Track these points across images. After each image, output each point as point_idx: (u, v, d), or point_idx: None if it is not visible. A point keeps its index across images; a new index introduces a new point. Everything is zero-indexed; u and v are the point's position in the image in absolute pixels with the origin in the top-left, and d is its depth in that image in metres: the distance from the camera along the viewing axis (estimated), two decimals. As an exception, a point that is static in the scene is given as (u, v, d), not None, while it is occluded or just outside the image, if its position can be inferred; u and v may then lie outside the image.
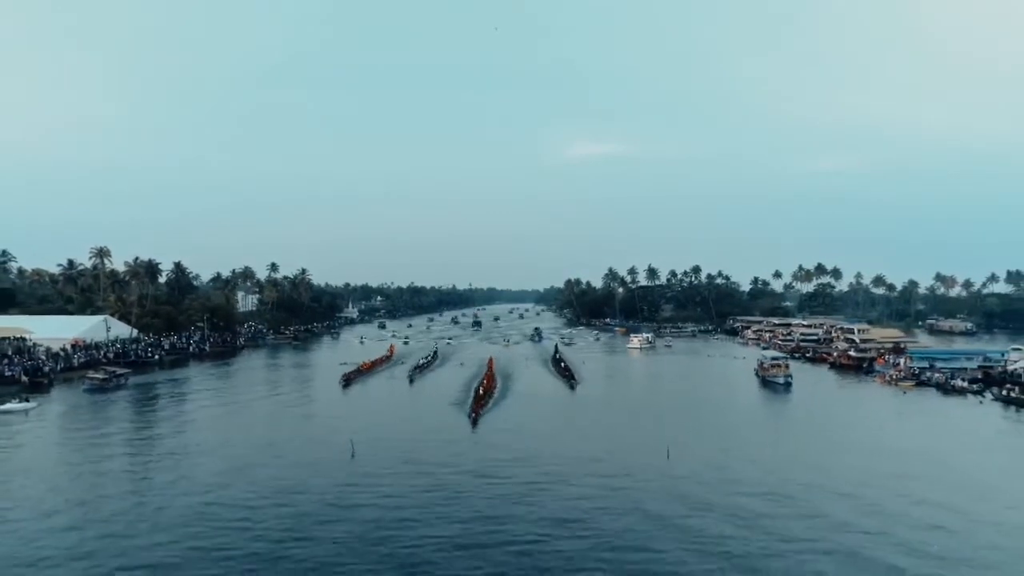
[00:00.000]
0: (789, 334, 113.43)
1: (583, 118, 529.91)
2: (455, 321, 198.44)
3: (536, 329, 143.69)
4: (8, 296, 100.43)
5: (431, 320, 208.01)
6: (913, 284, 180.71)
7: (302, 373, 79.88)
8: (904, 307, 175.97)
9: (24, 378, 60.52)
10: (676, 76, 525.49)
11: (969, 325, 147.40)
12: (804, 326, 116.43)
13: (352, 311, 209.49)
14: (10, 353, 67.13)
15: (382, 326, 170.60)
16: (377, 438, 40.16)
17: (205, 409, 51.61)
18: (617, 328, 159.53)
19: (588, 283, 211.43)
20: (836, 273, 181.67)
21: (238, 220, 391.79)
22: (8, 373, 60.71)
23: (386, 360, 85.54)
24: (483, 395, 53.72)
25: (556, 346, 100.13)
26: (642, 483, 31.34)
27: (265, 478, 31.87)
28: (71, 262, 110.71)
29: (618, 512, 27.12)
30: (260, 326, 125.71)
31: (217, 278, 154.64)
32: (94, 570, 21.44)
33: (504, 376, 68.93)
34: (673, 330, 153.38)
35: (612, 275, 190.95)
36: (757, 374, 71.56)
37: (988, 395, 57.78)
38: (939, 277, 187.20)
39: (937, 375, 64.52)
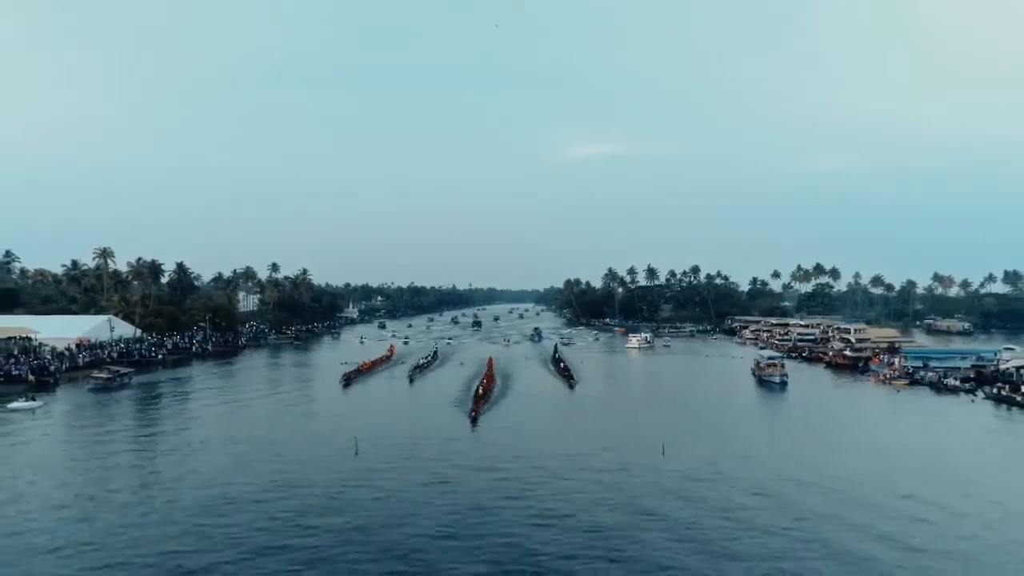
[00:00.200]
0: (786, 334, 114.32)
1: (583, 118, 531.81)
2: (455, 321, 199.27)
3: (536, 329, 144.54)
4: (12, 296, 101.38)
5: (431, 320, 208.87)
6: (911, 284, 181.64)
7: (303, 372, 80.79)
8: (902, 307, 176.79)
9: (31, 377, 61.45)
10: (676, 76, 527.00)
11: (966, 325, 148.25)
12: (801, 326, 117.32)
13: (352, 311, 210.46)
14: (16, 353, 68.12)
15: (382, 326, 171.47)
16: (378, 436, 40.94)
17: (209, 408, 52.48)
18: (616, 328, 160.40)
19: (588, 283, 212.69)
20: (834, 273, 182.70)
21: (238, 220, 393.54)
22: (15, 372, 61.65)
23: (386, 360, 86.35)
24: (483, 395, 54.40)
25: (556, 346, 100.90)
26: (636, 478, 32.24)
27: (271, 473, 32.76)
28: (75, 262, 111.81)
29: (611, 505, 28.02)
30: (262, 326, 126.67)
31: (218, 278, 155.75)
32: (108, 560, 22.29)
33: (504, 376, 69.71)
34: (672, 330, 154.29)
35: (612, 275, 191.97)
36: (754, 373, 72.38)
37: (980, 394, 58.63)
38: (937, 277, 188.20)
39: (930, 374, 65.41)
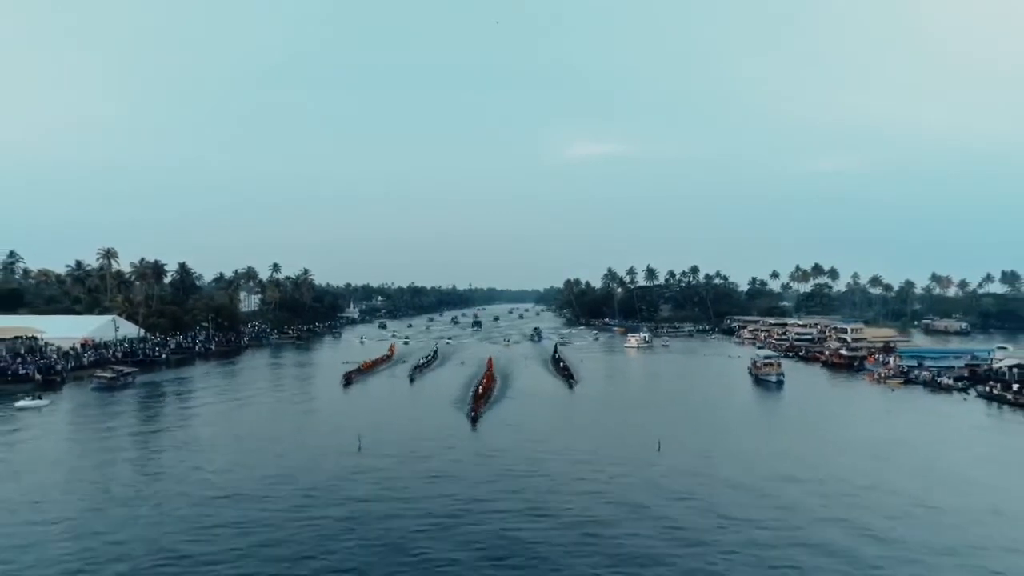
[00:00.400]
0: (784, 333, 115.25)
1: (583, 118, 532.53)
2: (455, 321, 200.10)
3: (535, 329, 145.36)
4: (17, 296, 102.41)
5: (431, 320, 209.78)
6: (909, 284, 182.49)
7: (305, 372, 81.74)
8: (900, 307, 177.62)
9: (38, 376, 62.39)
10: (676, 76, 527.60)
11: (964, 325, 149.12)
12: (799, 326, 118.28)
13: (353, 311, 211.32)
14: (23, 352, 69.06)
15: (383, 326, 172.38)
16: (380, 434, 41.77)
17: (214, 406, 53.41)
18: (616, 328, 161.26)
19: (587, 283, 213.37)
20: (833, 273, 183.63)
21: (238, 220, 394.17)
22: (22, 371, 62.57)
23: (387, 360, 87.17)
24: (483, 394, 54.94)
25: (555, 346, 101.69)
26: (631, 472, 33.17)
27: (278, 469, 33.72)
28: (79, 263, 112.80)
29: (604, 498, 29.00)
30: (263, 326, 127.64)
31: (220, 278, 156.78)
32: (117, 547, 23.22)
33: (503, 376, 70.41)
34: (670, 330, 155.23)
35: (611, 275, 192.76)
36: (750, 372, 73.22)
37: (972, 392, 59.58)
38: (935, 277, 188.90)
39: (924, 373, 66.33)
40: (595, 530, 25.23)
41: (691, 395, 62.24)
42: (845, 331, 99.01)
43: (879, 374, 69.69)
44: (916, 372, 67.56)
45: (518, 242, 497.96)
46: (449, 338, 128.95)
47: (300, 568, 21.89)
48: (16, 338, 71.71)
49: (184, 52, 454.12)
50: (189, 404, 55.10)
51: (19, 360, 65.88)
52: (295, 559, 22.56)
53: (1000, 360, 66.39)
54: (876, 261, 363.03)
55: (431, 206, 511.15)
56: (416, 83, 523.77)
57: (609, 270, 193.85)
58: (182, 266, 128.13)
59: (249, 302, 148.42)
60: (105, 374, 62.69)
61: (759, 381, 68.25)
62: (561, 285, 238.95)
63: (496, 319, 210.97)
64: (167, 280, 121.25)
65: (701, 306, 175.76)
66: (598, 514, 27.03)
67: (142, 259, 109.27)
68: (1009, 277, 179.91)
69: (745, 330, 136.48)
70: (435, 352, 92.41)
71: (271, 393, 61.68)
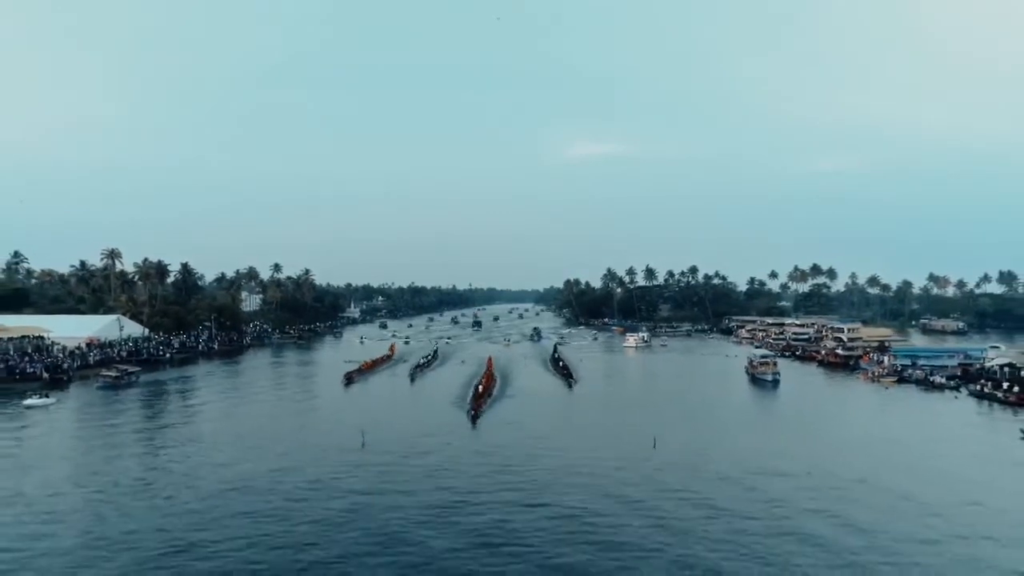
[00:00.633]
0: (781, 333, 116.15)
1: (583, 118, 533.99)
2: (455, 321, 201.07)
3: (535, 329, 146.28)
4: (22, 296, 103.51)
5: (431, 320, 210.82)
6: (907, 284, 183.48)
7: (307, 371, 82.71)
8: (898, 307, 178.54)
9: (45, 375, 63.47)
10: (676, 76, 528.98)
11: (961, 324, 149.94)
12: (796, 325, 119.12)
13: (354, 311, 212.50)
14: (30, 351, 70.12)
15: (383, 326, 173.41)
16: (382, 432, 42.65)
17: (218, 404, 54.50)
18: (615, 328, 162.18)
19: (587, 283, 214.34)
20: (831, 273, 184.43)
21: (238, 220, 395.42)
22: (30, 370, 63.66)
23: (387, 359, 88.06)
24: (482, 393, 55.60)
25: (555, 346, 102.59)
26: (627, 467, 34.13)
27: (282, 463, 34.72)
28: (83, 263, 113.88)
29: (599, 491, 29.97)
30: (265, 326, 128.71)
31: (221, 278, 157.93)
32: (136, 537, 24.23)
33: (503, 375, 71.16)
34: (668, 329, 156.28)
35: (611, 275, 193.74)
36: (747, 371, 74.14)
37: (964, 391, 60.53)
38: (932, 277, 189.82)
39: (917, 372, 67.30)
40: (589, 520, 26.24)
41: (688, 394, 63.07)
42: (842, 331, 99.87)
43: (873, 373, 70.65)
44: (910, 371, 68.50)
45: (518, 242, 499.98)
46: (449, 338, 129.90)
47: (305, 555, 22.91)
48: (23, 337, 72.82)
49: (184, 52, 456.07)
50: (193, 402, 56.11)
51: (27, 359, 66.95)
52: (300, 546, 23.61)
53: (992, 359, 67.36)
54: (875, 261, 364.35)
55: (431, 206, 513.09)
56: (416, 83, 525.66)
57: (608, 270, 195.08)
58: (184, 266, 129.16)
59: (251, 302, 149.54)
60: (110, 373, 63.66)
61: (755, 380, 69.18)
62: (561, 285, 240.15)
63: (496, 319, 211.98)
64: (169, 280, 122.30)
65: (700, 306, 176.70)
66: (592, 506, 28.00)
67: (145, 259, 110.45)
68: (1006, 277, 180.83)
69: (743, 330, 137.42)
70: (435, 352, 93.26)
71: (274, 392, 62.65)
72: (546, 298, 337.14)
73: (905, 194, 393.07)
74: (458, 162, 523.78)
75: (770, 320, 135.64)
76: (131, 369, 67.00)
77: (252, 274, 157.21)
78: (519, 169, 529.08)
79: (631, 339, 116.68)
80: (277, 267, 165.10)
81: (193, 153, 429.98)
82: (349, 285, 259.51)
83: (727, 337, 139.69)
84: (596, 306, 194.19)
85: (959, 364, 69.83)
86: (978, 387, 59.12)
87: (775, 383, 65.90)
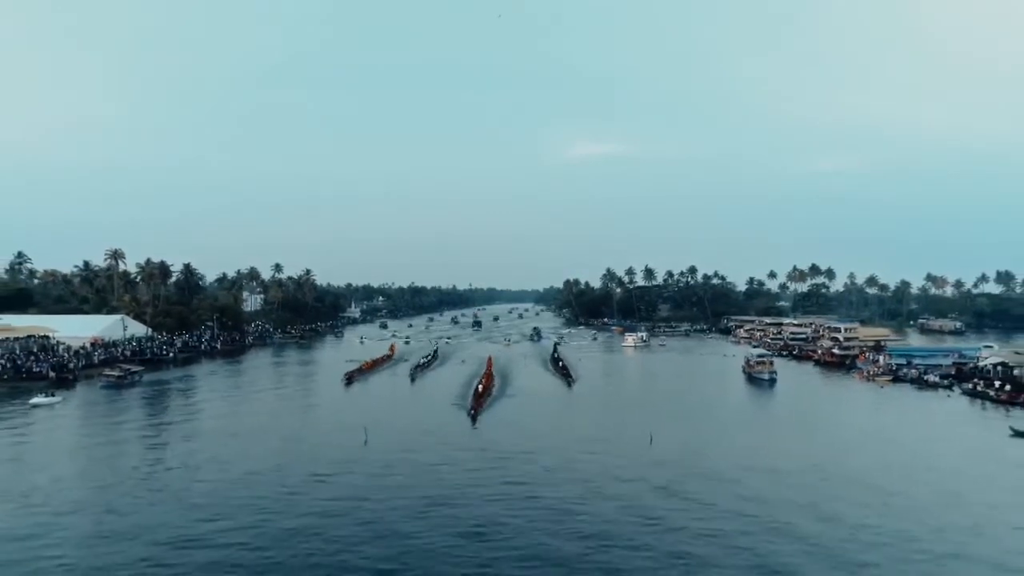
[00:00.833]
0: (779, 333, 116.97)
1: (583, 118, 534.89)
2: (455, 321, 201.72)
3: (535, 329, 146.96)
4: (26, 296, 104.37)
5: (431, 320, 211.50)
6: (905, 284, 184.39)
7: (308, 370, 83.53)
8: (896, 307, 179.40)
9: (51, 374, 64.31)
10: (676, 76, 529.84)
11: (958, 324, 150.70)
12: (794, 325, 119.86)
13: (355, 311, 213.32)
14: (36, 351, 70.98)
15: (383, 326, 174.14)
16: (382, 430, 43.29)
17: (221, 403, 55.34)
18: (615, 328, 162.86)
19: (587, 283, 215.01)
20: (830, 273, 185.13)
21: (239, 220, 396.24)
22: (36, 369, 64.52)
23: (388, 359, 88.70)
24: (482, 393, 56.06)
25: (554, 345, 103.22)
26: (623, 464, 34.96)
27: (286, 460, 35.57)
28: (87, 263, 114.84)
29: (593, 487, 30.85)
30: (267, 325, 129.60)
31: (223, 278, 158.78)
32: (144, 529, 25.07)
33: (503, 374, 71.79)
34: (667, 329, 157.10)
35: (610, 275, 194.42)
36: (744, 371, 74.95)
37: (957, 389, 61.37)
38: (930, 277, 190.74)
39: (912, 371, 68.13)
40: (582, 513, 27.16)
41: (685, 393, 63.80)
42: (839, 330, 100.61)
43: (868, 372, 71.47)
44: (904, 370, 69.32)
45: (518, 242, 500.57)
46: (449, 338, 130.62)
47: (307, 545, 23.75)
48: (30, 337, 73.69)
49: (184, 52, 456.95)
50: (196, 401, 56.93)
51: (33, 358, 67.81)
52: (304, 536, 24.49)
53: (986, 358, 68.18)
54: (875, 261, 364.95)
55: (431, 206, 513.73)
56: (416, 83, 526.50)
57: (608, 270, 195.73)
58: (187, 267, 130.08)
59: (252, 302, 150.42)
60: (113, 372, 64.39)
61: (752, 379, 69.97)
62: (561, 285, 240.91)
63: (496, 319, 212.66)
64: (172, 280, 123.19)
65: (699, 306, 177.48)
66: (586, 501, 28.86)
67: (148, 260, 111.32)
68: (1004, 277, 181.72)
69: (741, 329, 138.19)
70: (435, 352, 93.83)
71: (275, 391, 63.47)
72: (546, 298, 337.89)
73: (905, 194, 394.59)
74: (458, 162, 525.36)
75: (768, 320, 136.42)
76: (135, 368, 67.84)
77: (253, 274, 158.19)
78: (519, 169, 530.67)
79: (630, 339, 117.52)
80: (278, 267, 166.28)
81: (193, 153, 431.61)
82: (349, 285, 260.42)
83: (726, 337, 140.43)
84: (596, 306, 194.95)
85: (953, 363, 70.60)
86: (971, 385, 59.97)
87: (771, 382, 66.67)
